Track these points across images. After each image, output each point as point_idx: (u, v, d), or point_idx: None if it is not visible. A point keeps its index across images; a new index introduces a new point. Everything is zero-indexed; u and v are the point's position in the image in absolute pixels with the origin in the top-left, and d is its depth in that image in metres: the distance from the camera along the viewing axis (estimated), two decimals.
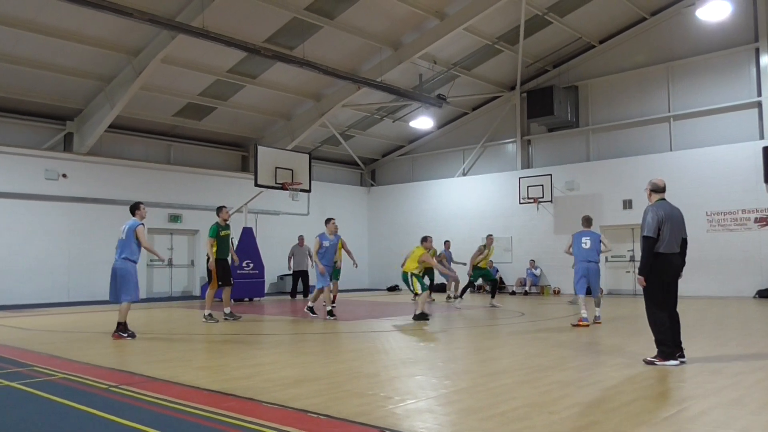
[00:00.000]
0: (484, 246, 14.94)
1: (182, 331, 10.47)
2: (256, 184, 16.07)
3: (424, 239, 12.56)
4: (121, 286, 9.01)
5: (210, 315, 11.56)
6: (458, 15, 16.86)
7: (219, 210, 12.09)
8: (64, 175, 17.57)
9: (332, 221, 12.48)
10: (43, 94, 16.89)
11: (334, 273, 13.19)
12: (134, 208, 9.50)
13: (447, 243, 18.54)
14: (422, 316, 11.40)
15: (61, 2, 12.45)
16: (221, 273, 11.76)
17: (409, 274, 11.79)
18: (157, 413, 4.59)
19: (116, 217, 18.32)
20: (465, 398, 5.05)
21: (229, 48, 15.05)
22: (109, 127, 17.68)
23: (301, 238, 19.22)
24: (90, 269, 17.71)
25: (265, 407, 4.71)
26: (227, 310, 11.95)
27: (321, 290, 12.20)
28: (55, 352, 7.69)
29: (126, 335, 9.04)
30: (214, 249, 11.70)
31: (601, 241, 10.79)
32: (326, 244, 12.09)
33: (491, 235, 15.37)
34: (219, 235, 11.80)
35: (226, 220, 12.06)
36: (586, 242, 10.72)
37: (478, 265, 14.81)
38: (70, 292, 17.35)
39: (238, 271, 16.79)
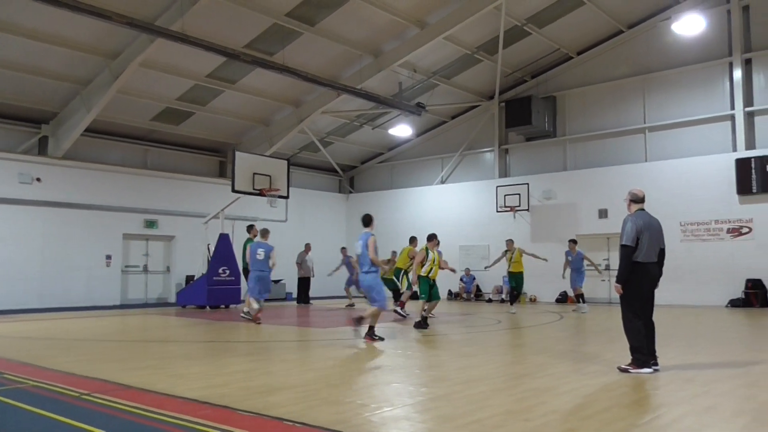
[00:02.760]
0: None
1: (157, 338, 10.34)
2: (234, 190, 15.96)
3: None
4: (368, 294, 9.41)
5: (249, 313, 13.37)
6: (438, 24, 16.97)
7: (251, 228, 14.59)
8: (38, 179, 17.29)
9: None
10: (18, 96, 16.62)
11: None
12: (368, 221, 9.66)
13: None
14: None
15: (39, 4, 12.28)
16: None
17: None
18: (130, 421, 4.52)
19: (91, 222, 18.16)
20: (442, 406, 5.05)
21: (208, 53, 14.97)
22: (85, 130, 17.45)
23: (307, 246, 19.21)
24: (64, 275, 17.44)
25: (241, 415, 4.67)
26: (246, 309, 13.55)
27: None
28: (26, 359, 7.54)
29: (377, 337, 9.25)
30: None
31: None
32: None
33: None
34: None
35: (255, 236, 14.05)
36: (261, 253, 12.42)
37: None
38: (42, 299, 17.03)
39: (214, 278, 16.68)
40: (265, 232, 13.00)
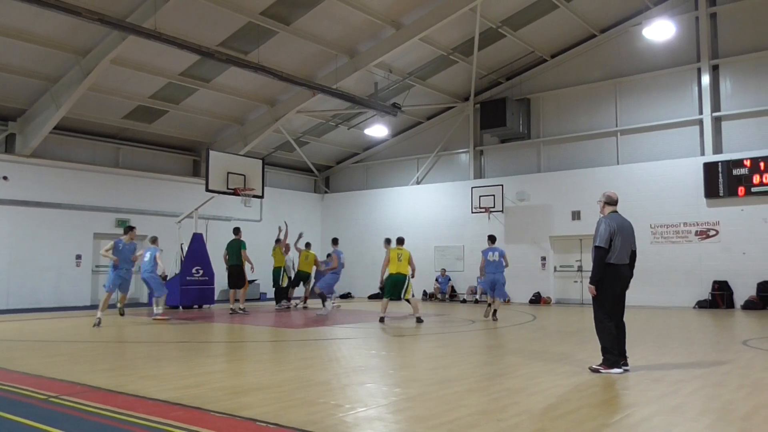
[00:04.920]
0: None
1: (128, 339, 10.20)
2: (208, 190, 15.82)
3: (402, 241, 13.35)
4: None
5: (243, 309, 15.58)
6: (414, 25, 17.02)
7: (238, 230, 16.19)
8: (5, 178, 16.92)
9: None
10: None
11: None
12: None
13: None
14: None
15: None
16: (244, 276, 15.83)
17: (408, 277, 12.82)
18: (100, 424, 4.46)
19: (61, 221, 17.84)
20: (415, 406, 5.07)
21: (181, 51, 14.79)
22: (55, 128, 17.13)
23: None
24: (32, 276, 17.10)
25: (214, 416, 4.63)
26: (237, 306, 15.52)
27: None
28: None
29: None
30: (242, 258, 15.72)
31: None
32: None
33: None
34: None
35: (240, 237, 16.05)
36: (147, 256, 13.34)
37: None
38: (10, 299, 16.68)
39: (188, 278, 16.52)
40: (154, 239, 13.96)
